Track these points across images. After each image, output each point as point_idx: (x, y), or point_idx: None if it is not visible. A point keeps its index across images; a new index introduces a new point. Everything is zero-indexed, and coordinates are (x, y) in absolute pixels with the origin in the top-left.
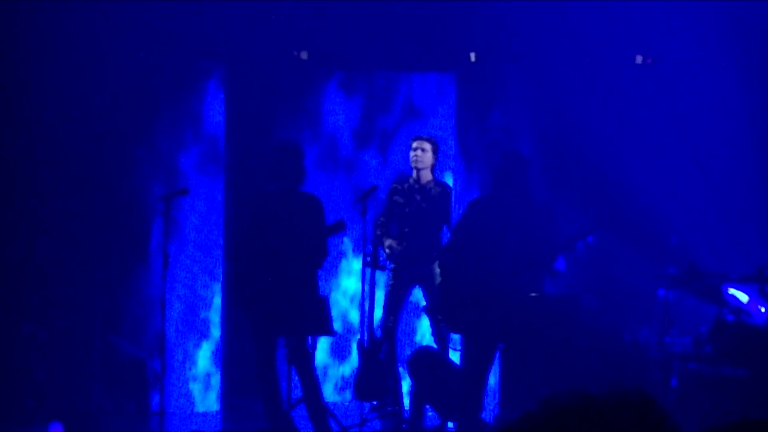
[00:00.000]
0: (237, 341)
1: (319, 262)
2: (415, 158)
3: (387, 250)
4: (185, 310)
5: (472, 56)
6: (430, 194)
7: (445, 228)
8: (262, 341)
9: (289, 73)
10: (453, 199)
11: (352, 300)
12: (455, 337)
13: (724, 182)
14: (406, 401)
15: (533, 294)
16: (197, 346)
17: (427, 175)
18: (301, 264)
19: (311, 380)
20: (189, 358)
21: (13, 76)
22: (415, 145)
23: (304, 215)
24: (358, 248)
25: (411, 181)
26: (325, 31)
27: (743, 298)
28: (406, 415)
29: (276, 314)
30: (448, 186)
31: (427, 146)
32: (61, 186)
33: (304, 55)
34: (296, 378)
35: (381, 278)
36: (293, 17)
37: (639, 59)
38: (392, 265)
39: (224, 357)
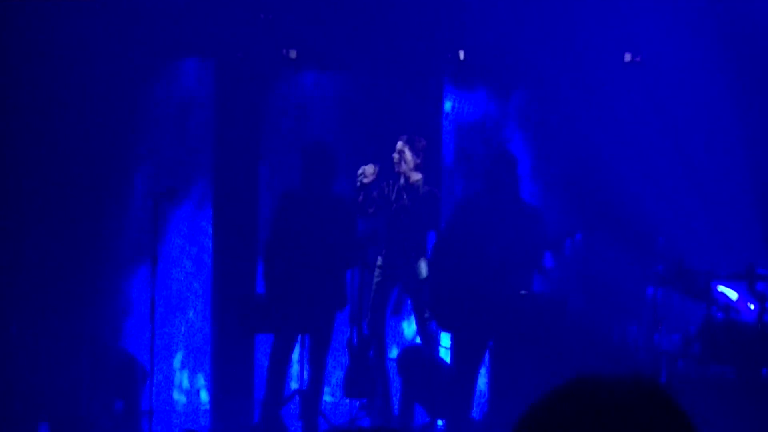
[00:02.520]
0: (226, 341)
1: (346, 266)
2: (395, 162)
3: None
4: (174, 308)
5: (461, 54)
6: (418, 193)
7: (432, 227)
8: (283, 338)
9: (278, 71)
10: (441, 201)
11: None
12: (444, 335)
13: (712, 181)
14: (396, 399)
15: (523, 292)
16: (186, 344)
17: (414, 175)
18: (327, 266)
19: (320, 374)
20: (177, 357)
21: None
22: (396, 147)
23: (335, 219)
24: None
25: (401, 181)
26: (315, 30)
27: (732, 295)
28: (395, 414)
29: (300, 313)
30: (435, 188)
31: (406, 147)
32: (49, 187)
33: (293, 54)
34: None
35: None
36: (282, 15)
37: (627, 57)
38: (379, 263)
39: (213, 355)
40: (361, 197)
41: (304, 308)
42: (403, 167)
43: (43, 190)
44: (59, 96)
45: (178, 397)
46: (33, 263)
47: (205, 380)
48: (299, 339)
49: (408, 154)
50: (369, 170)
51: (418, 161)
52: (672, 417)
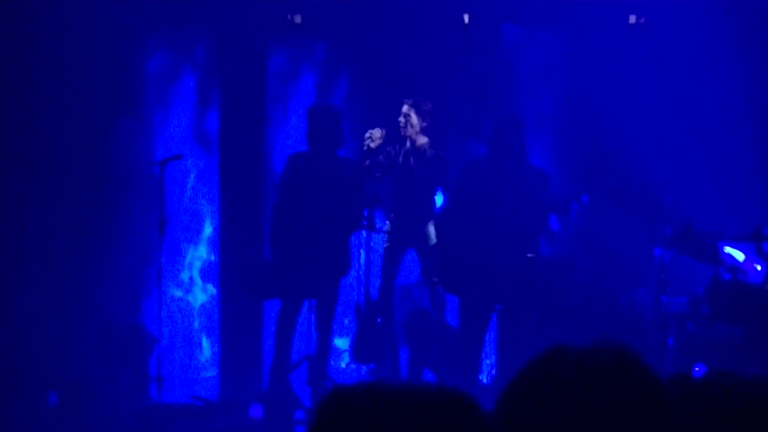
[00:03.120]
0: (234, 307)
1: (351, 229)
2: (401, 125)
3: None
4: (181, 274)
5: (466, 18)
6: (425, 157)
7: (439, 191)
8: (290, 300)
9: (283, 35)
10: (447, 165)
11: None
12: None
13: (719, 142)
14: (404, 364)
15: (530, 255)
16: (193, 308)
17: (420, 139)
18: (333, 229)
19: (326, 339)
20: (185, 323)
21: None
22: (402, 110)
23: (342, 180)
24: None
25: (407, 144)
26: None
27: (739, 256)
28: (403, 378)
29: (307, 275)
30: (443, 151)
31: (411, 111)
32: (53, 155)
33: (297, 19)
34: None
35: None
36: None
37: (632, 19)
38: (387, 228)
39: (221, 320)
40: (367, 162)
41: (309, 273)
42: (409, 131)
43: (48, 159)
44: (61, 69)
45: (185, 364)
46: (39, 233)
47: (213, 346)
48: (306, 304)
49: (414, 118)
50: (376, 134)
51: (425, 124)
52: (642, 383)
